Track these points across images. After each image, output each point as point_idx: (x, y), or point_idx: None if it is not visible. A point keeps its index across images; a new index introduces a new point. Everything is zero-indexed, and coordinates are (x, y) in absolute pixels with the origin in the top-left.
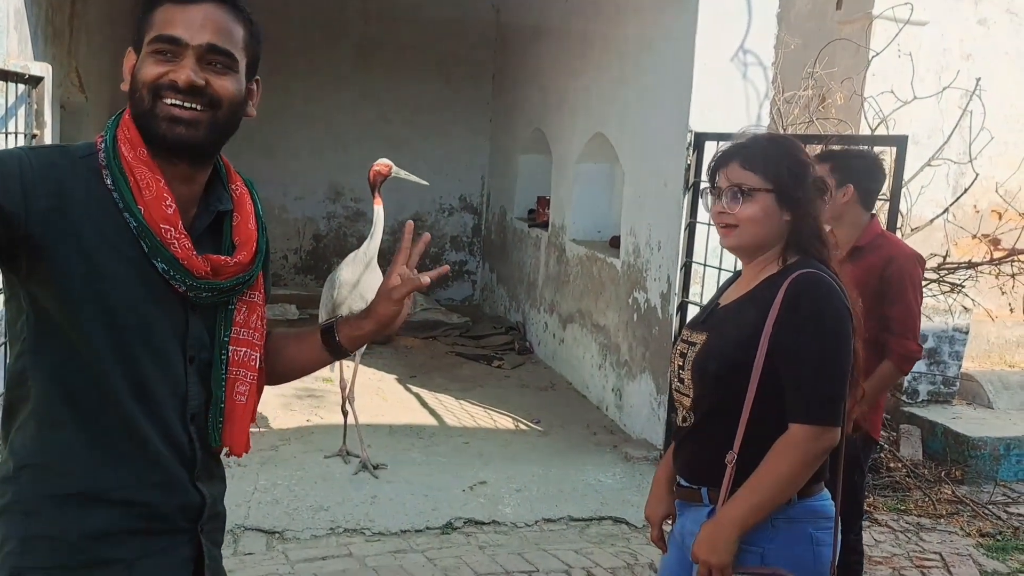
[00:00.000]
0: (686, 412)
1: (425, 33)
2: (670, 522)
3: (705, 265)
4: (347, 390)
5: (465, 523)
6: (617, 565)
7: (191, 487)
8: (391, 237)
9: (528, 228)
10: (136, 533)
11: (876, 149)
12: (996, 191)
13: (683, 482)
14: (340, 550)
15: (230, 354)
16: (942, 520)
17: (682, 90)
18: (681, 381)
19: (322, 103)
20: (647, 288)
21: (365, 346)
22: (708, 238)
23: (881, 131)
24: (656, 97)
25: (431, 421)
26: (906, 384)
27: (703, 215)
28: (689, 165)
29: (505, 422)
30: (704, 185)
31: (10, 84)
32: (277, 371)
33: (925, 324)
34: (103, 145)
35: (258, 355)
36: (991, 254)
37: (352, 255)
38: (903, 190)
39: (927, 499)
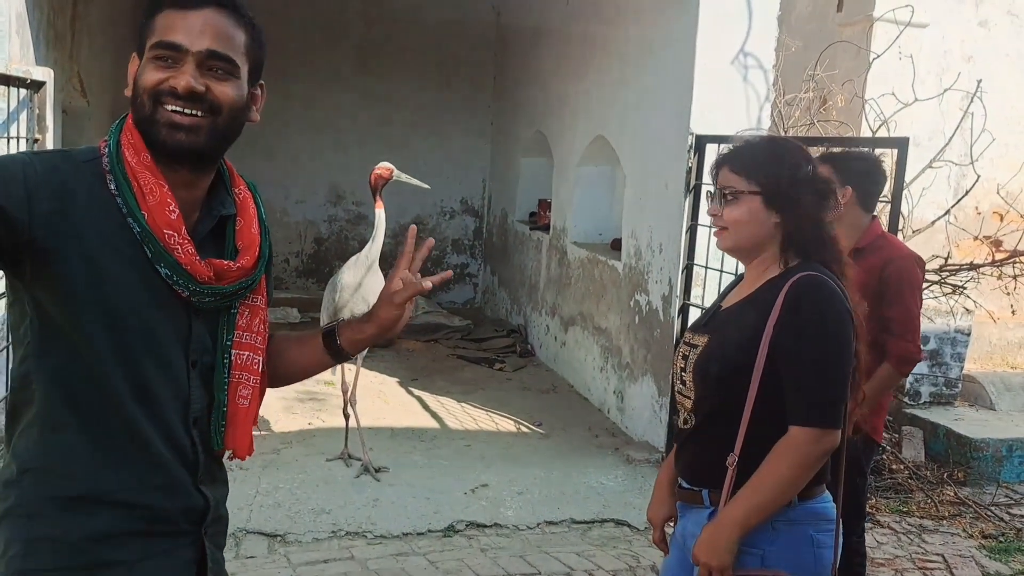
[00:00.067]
0: (688, 414)
1: (425, 35)
2: (672, 524)
3: (706, 267)
4: (349, 393)
5: (467, 526)
6: (619, 567)
7: (194, 490)
8: (393, 240)
9: (529, 231)
10: (138, 535)
11: (877, 151)
12: (997, 193)
13: (684, 484)
14: (342, 553)
15: (232, 358)
16: (944, 522)
17: (683, 92)
18: (683, 383)
19: (323, 106)
20: (648, 290)
21: (367, 349)
22: (709, 240)
23: (882, 133)
24: (657, 99)
25: (433, 424)
26: (908, 386)
27: (704, 217)
28: (690, 167)
29: (507, 425)
30: (706, 188)
31: (12, 89)
32: (279, 374)
33: (927, 326)
34: (107, 150)
35: (260, 359)
36: (993, 256)
37: (354, 258)
38: (904, 192)
39: (929, 501)
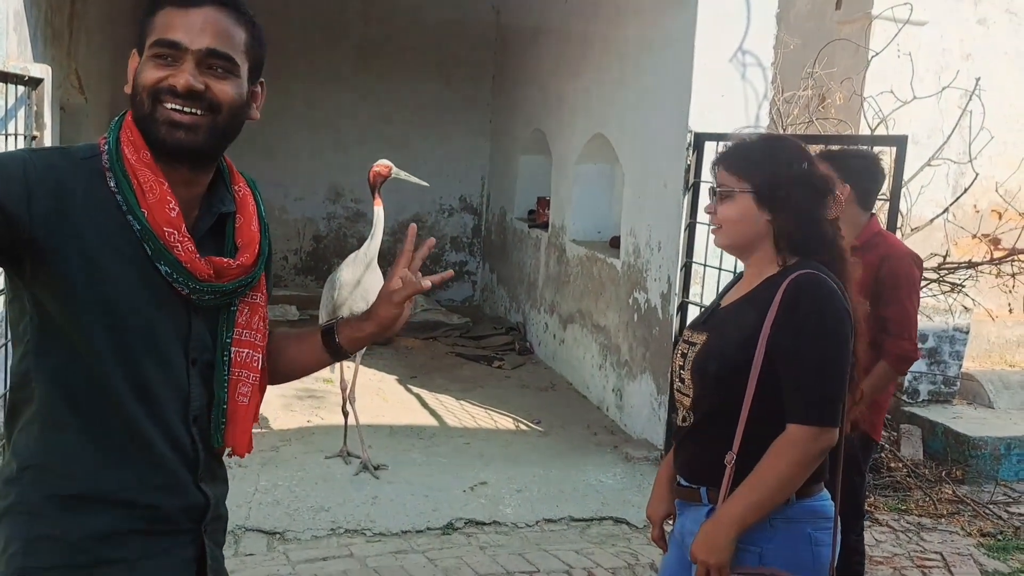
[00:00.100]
0: (686, 412)
1: (425, 34)
2: (671, 522)
3: (705, 265)
4: (348, 391)
5: (466, 524)
6: (618, 565)
7: (194, 488)
8: (391, 238)
9: (528, 229)
10: (139, 534)
11: (876, 149)
12: (996, 191)
13: (683, 482)
14: (341, 551)
15: (232, 355)
16: (943, 520)
17: (682, 91)
18: (682, 381)
19: (322, 104)
20: (647, 288)
21: (365, 347)
22: (708, 238)
23: (881, 131)
24: (656, 98)
25: (432, 422)
26: (907, 384)
27: (703, 215)
28: (689, 165)
29: (506, 423)
30: (705, 186)
31: (10, 86)
32: (278, 371)
33: (925, 324)
34: (106, 147)
35: (260, 356)
36: (991, 254)
37: (352, 256)
38: (903, 190)
39: (928, 499)
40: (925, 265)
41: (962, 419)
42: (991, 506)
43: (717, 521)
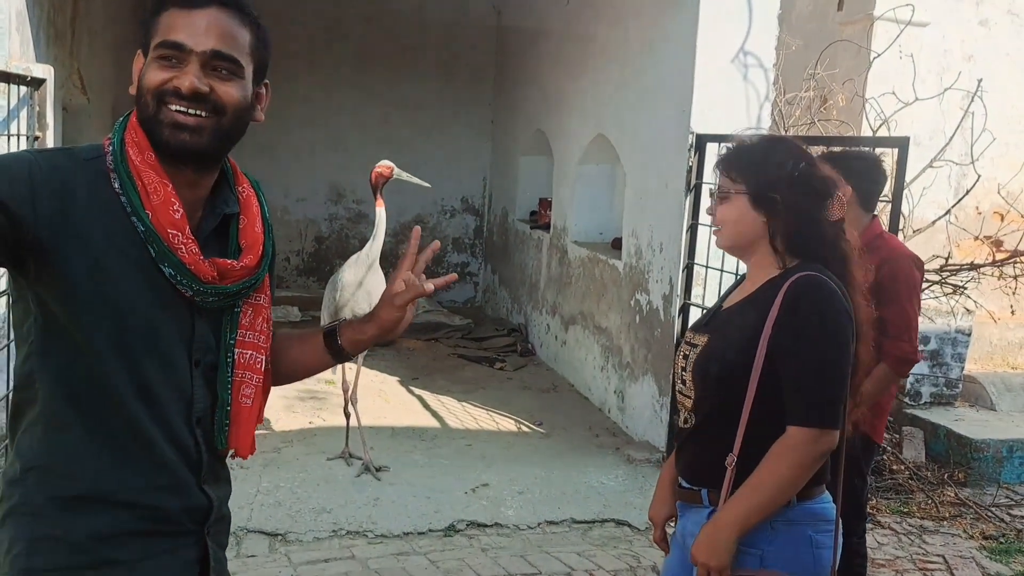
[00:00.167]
0: (688, 414)
1: (426, 35)
2: (673, 523)
3: (707, 267)
4: (349, 392)
5: (467, 525)
6: (619, 567)
7: (198, 490)
8: (393, 239)
9: (530, 230)
10: (142, 535)
11: (878, 150)
12: (998, 192)
13: (684, 483)
14: (343, 552)
15: (236, 357)
16: (945, 523)
17: (683, 92)
18: (684, 383)
19: (323, 105)
20: (649, 290)
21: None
22: (710, 240)
23: (882, 132)
24: (657, 98)
25: (433, 423)
26: (909, 386)
27: (705, 217)
28: (691, 167)
29: (507, 424)
30: (706, 187)
31: (12, 86)
32: (279, 372)
33: (928, 326)
34: (111, 148)
35: (263, 357)
36: (993, 256)
37: (354, 257)
38: (905, 192)
39: (930, 501)
40: (927, 267)
41: (964, 421)
42: (993, 509)
43: (717, 523)
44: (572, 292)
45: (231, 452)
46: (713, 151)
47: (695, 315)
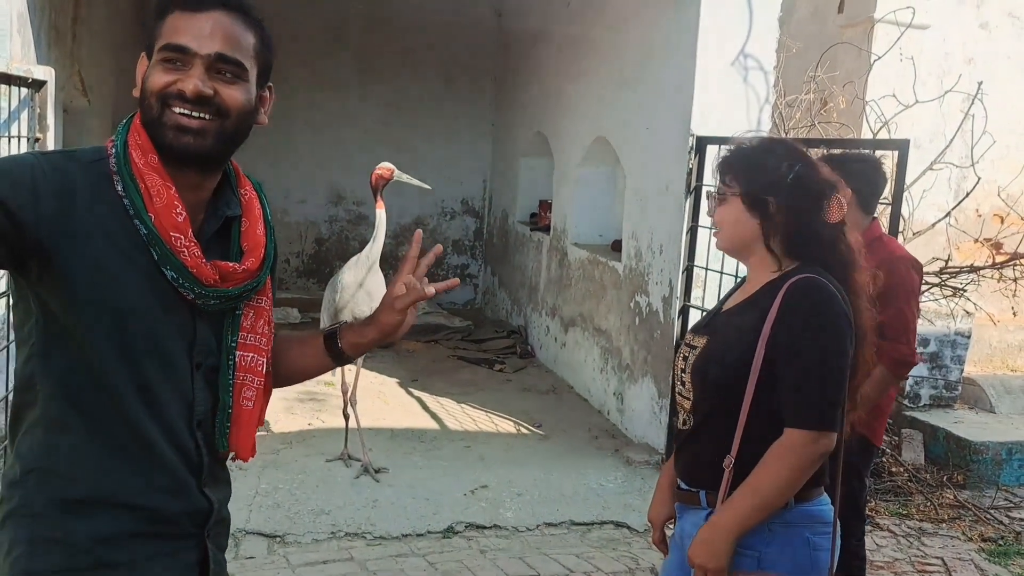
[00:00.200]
0: (686, 415)
1: (427, 37)
2: (672, 525)
3: (707, 269)
4: (349, 394)
5: (466, 527)
6: (618, 569)
7: (198, 492)
8: (393, 241)
9: (530, 232)
10: (142, 537)
11: (878, 153)
12: (998, 195)
13: (682, 485)
14: (341, 554)
15: (237, 359)
16: (944, 525)
17: (684, 94)
18: (683, 384)
19: (324, 107)
20: (649, 292)
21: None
22: (710, 242)
23: (883, 135)
24: (658, 101)
25: (432, 425)
26: (908, 388)
27: (704, 219)
28: (691, 169)
29: (506, 426)
30: (707, 190)
31: (13, 88)
32: (279, 375)
33: (927, 328)
34: (114, 150)
35: (265, 360)
36: (993, 258)
37: (354, 259)
38: (905, 194)
39: (929, 504)
40: (927, 269)
41: (963, 424)
42: (992, 511)
43: (714, 525)
44: (572, 294)
45: (232, 454)
46: (713, 153)
47: (695, 317)
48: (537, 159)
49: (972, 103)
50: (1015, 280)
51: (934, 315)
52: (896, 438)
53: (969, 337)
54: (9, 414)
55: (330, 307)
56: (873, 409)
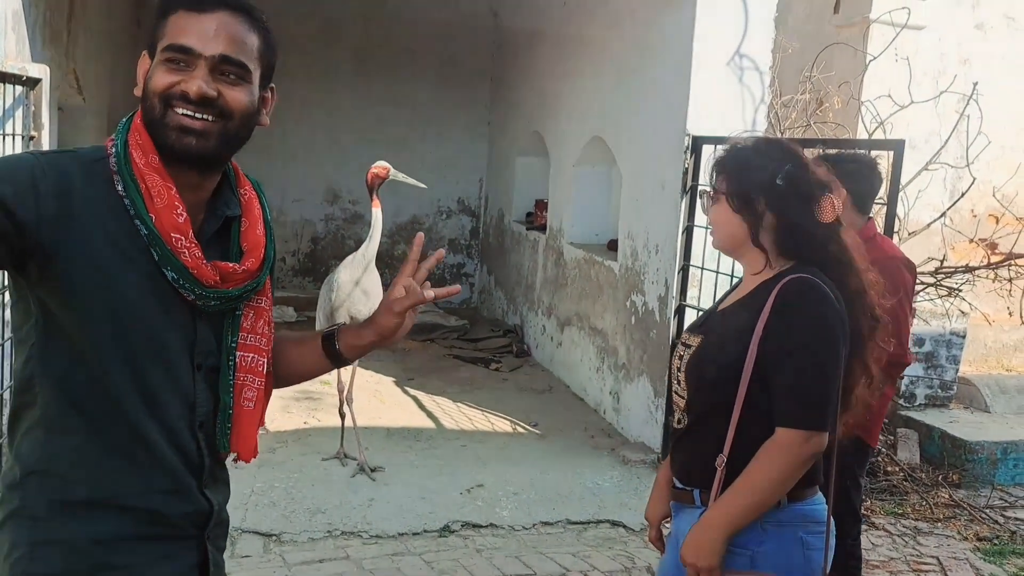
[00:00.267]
0: (681, 414)
1: (423, 36)
2: (669, 523)
3: (703, 268)
4: (345, 392)
5: (462, 526)
6: (614, 568)
7: (199, 494)
8: (389, 240)
9: (526, 231)
10: (143, 539)
11: (873, 153)
12: (993, 195)
13: (677, 484)
14: (337, 553)
15: (237, 360)
16: (939, 524)
17: (679, 94)
18: (679, 383)
19: (320, 106)
20: (645, 291)
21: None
22: (706, 242)
23: (878, 135)
24: (653, 101)
25: (429, 424)
26: (903, 388)
27: (700, 219)
28: (687, 168)
29: (503, 425)
30: (702, 189)
31: (7, 85)
32: (278, 375)
33: (923, 328)
34: (114, 150)
35: (265, 360)
36: (988, 258)
37: (350, 257)
38: (900, 194)
39: (924, 503)
40: (922, 269)
41: (959, 423)
42: (988, 510)
43: (705, 524)
44: (568, 293)
45: (233, 455)
46: (709, 153)
47: (691, 317)
48: (533, 158)
49: (967, 104)
50: (1010, 280)
51: (929, 315)
52: (892, 438)
53: (964, 337)
54: (8, 415)
55: (326, 306)
56: (867, 409)
